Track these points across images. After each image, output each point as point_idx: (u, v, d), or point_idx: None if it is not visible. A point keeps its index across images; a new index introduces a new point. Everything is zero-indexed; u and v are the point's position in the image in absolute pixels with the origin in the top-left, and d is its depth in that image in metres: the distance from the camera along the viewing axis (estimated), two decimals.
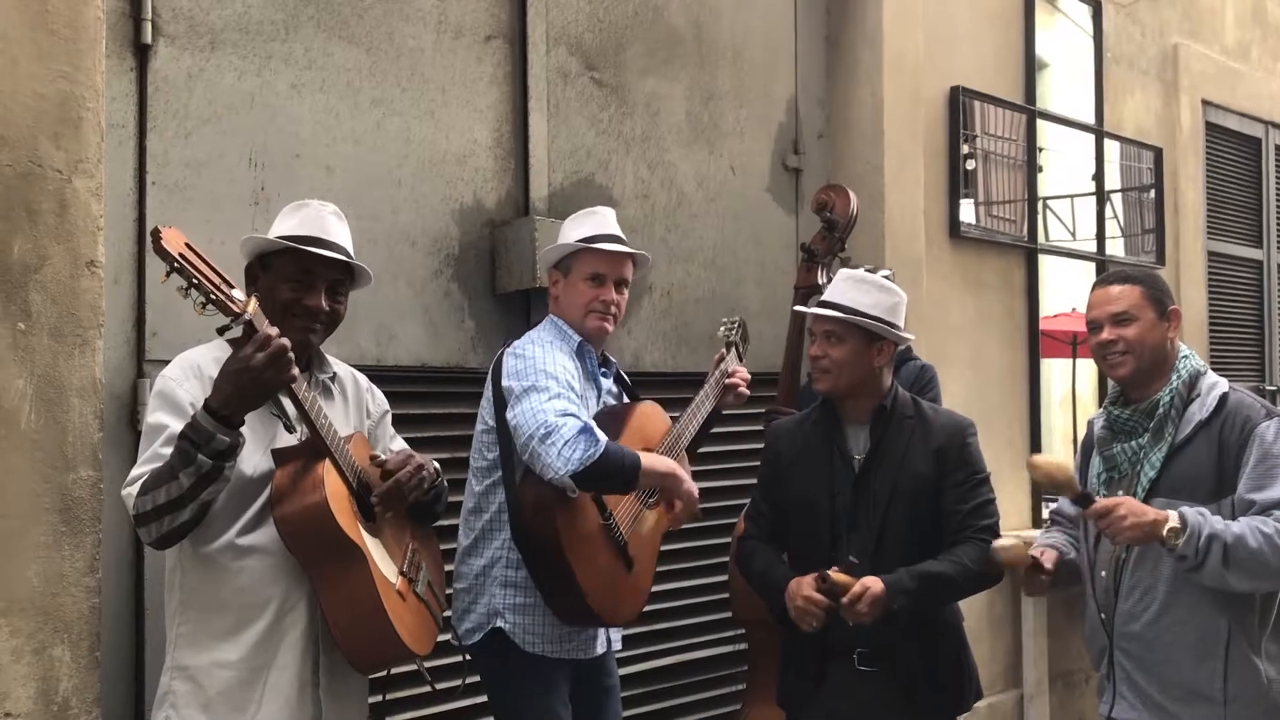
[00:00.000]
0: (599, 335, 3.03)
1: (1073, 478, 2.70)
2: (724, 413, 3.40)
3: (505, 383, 2.84)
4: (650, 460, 2.82)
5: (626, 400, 3.18)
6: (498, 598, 2.88)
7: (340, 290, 2.48)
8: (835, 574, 2.69)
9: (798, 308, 3.44)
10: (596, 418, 2.93)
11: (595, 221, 3.04)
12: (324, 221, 2.46)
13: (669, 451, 3.03)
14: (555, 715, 2.90)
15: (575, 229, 3.04)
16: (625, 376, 3.26)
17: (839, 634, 2.81)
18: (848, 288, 2.93)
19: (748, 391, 3.34)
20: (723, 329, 3.49)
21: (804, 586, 2.76)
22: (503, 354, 2.94)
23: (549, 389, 2.76)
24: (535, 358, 2.85)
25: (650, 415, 3.10)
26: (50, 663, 2.48)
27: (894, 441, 2.89)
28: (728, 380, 3.30)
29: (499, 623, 2.87)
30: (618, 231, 3.06)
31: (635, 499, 2.96)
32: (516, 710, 2.93)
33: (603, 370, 3.10)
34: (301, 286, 2.40)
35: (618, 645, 3.16)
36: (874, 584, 2.69)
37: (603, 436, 2.71)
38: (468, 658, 2.86)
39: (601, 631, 3.01)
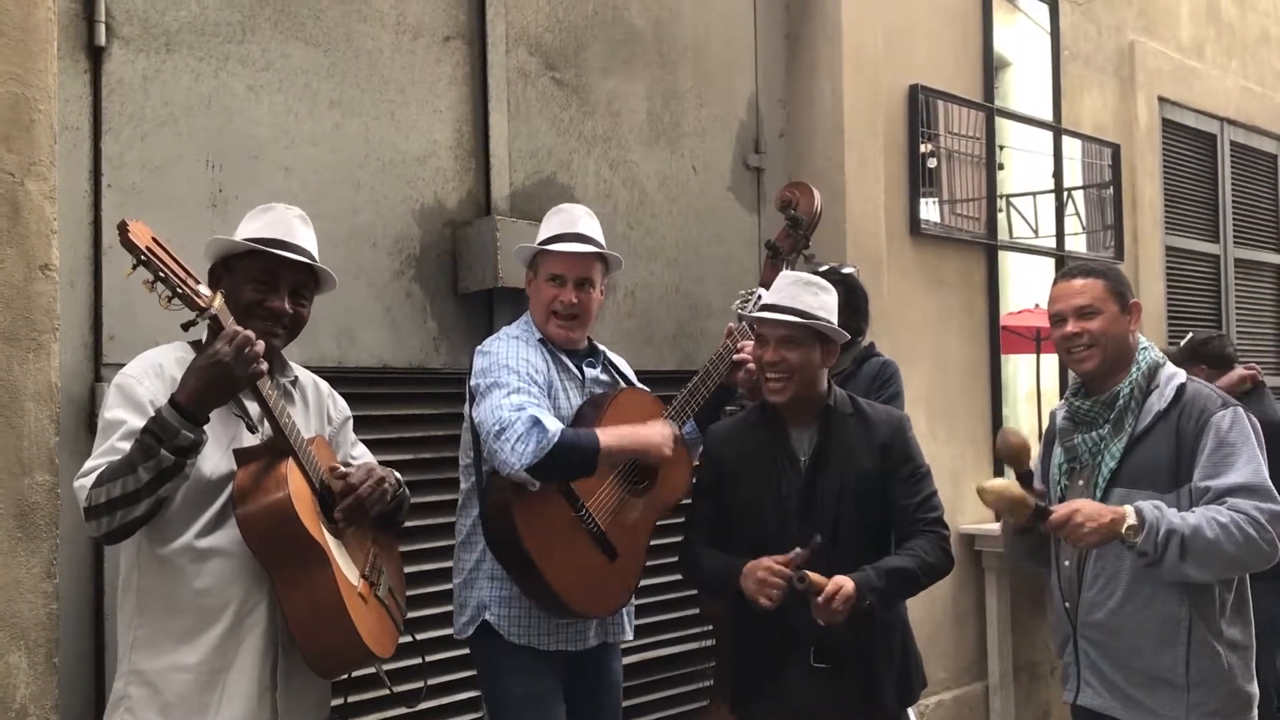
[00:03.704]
0: (562, 340, 2.99)
1: (1024, 496, 2.72)
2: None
3: (472, 382, 2.87)
4: (612, 437, 2.79)
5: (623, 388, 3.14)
6: (485, 590, 2.90)
7: (304, 293, 2.47)
8: (812, 576, 2.69)
9: (747, 314, 3.30)
10: (580, 410, 2.92)
11: (559, 220, 3.02)
12: (289, 224, 2.45)
13: None
14: (543, 710, 2.88)
15: (544, 228, 3.03)
16: (618, 363, 3.21)
17: (792, 632, 2.82)
18: (798, 291, 2.91)
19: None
20: (737, 302, 3.37)
21: (763, 561, 2.74)
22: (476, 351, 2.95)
23: (509, 384, 2.77)
24: (498, 353, 2.86)
25: (633, 401, 3.03)
26: (7, 670, 2.46)
27: (838, 440, 2.90)
28: (736, 356, 3.16)
29: (486, 615, 2.88)
30: (585, 230, 3.01)
31: (616, 488, 2.93)
32: (504, 702, 2.92)
33: (588, 360, 3.07)
34: (265, 288, 2.39)
35: (627, 636, 3.10)
36: (846, 583, 2.68)
37: (556, 425, 2.70)
38: (425, 659, 2.85)
39: (595, 623, 2.97)
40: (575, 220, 3.02)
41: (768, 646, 2.88)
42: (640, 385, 3.21)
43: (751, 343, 3.21)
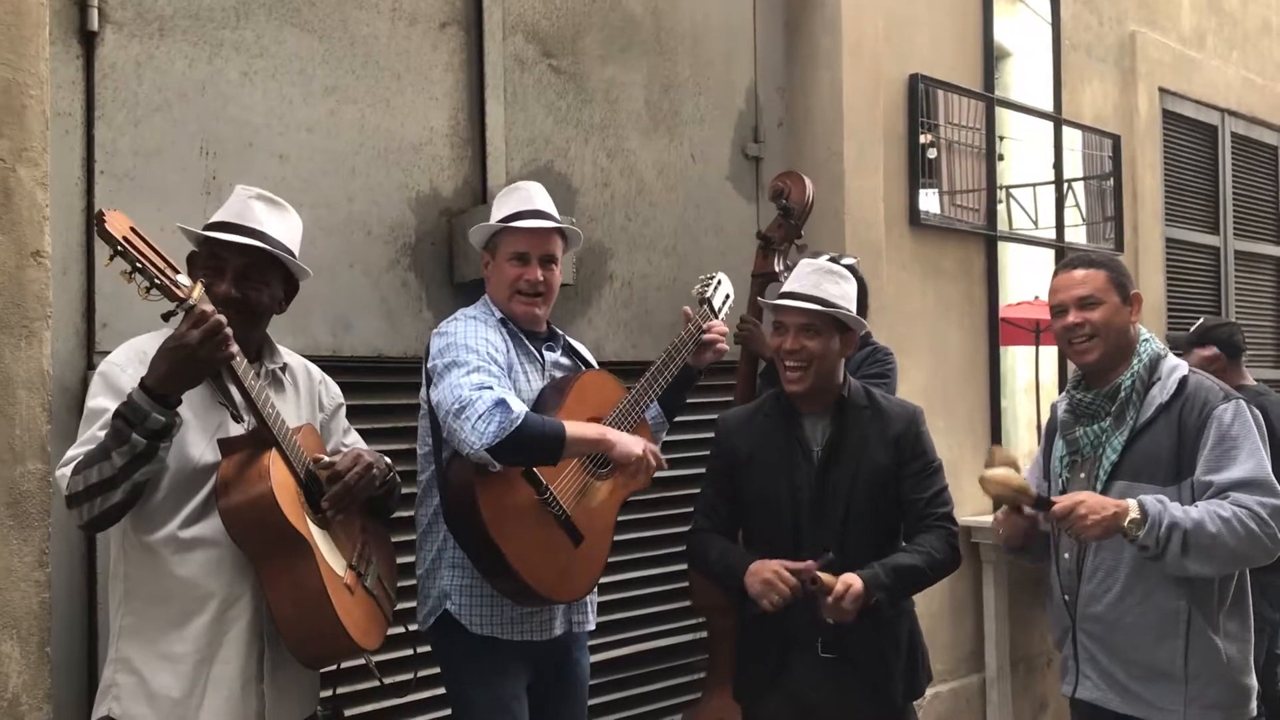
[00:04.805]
0: (527, 319, 2.94)
1: (1026, 485, 2.71)
2: (699, 381, 3.28)
3: (429, 363, 2.81)
4: (578, 429, 2.73)
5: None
6: (445, 579, 2.84)
7: (254, 278, 2.39)
8: (824, 576, 2.67)
9: (766, 299, 3.22)
10: (541, 393, 2.88)
11: (518, 198, 2.96)
12: (244, 207, 2.42)
13: (620, 419, 2.92)
14: (503, 702, 2.83)
15: (499, 207, 2.98)
16: (578, 347, 3.17)
17: (800, 622, 2.81)
18: (820, 279, 2.89)
19: (726, 347, 3.21)
20: (699, 286, 3.35)
21: (771, 564, 2.74)
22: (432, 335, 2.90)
23: (468, 363, 2.71)
24: (456, 333, 2.80)
25: (596, 384, 2.99)
26: None
27: (852, 432, 2.89)
28: (704, 336, 3.14)
29: (447, 604, 2.83)
30: (542, 206, 2.96)
31: (580, 471, 2.88)
32: (464, 694, 2.88)
33: (548, 344, 3.02)
34: (212, 274, 2.35)
35: (590, 626, 3.04)
36: (855, 581, 2.68)
37: (520, 407, 2.64)
38: (417, 650, 2.82)
39: (561, 611, 2.92)
40: (532, 197, 2.96)
41: (775, 636, 2.86)
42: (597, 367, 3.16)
43: (719, 323, 3.21)
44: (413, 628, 2.87)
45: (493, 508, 2.69)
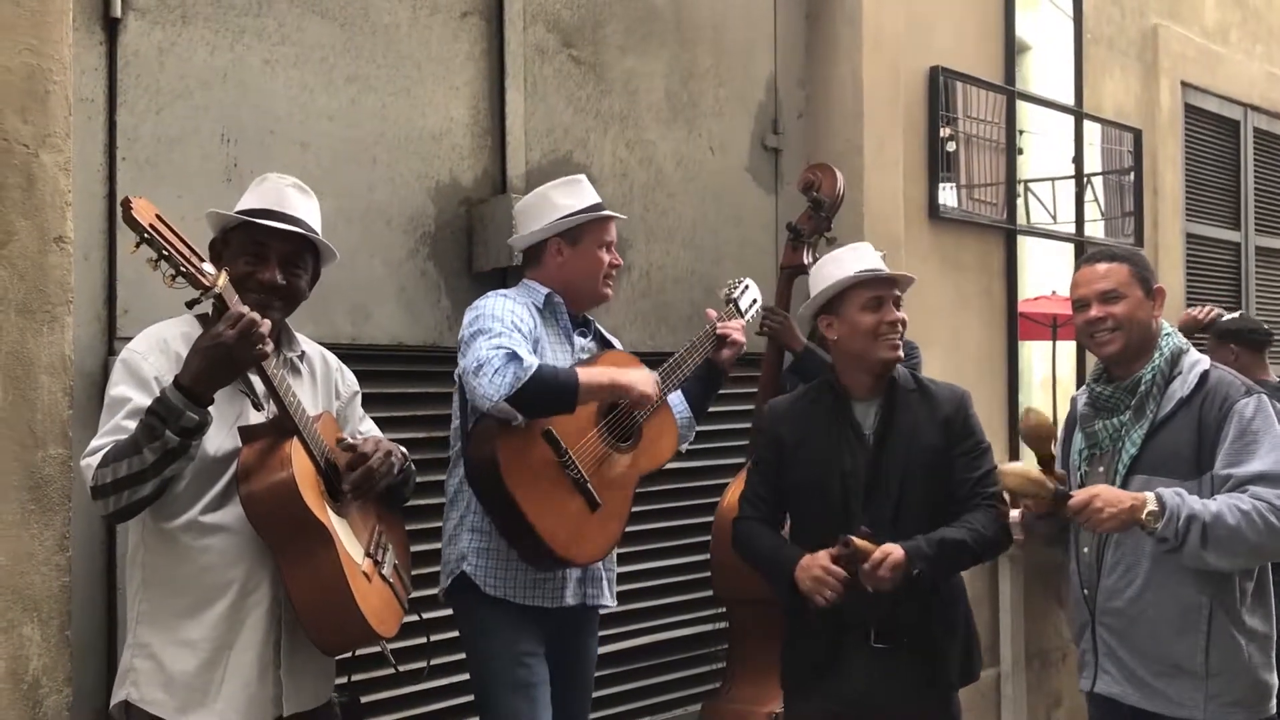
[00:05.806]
0: (603, 297, 3.10)
1: (1044, 480, 2.71)
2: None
3: (460, 334, 2.91)
4: (591, 375, 2.83)
5: None
6: (465, 542, 2.92)
7: (297, 264, 2.44)
8: (858, 540, 2.68)
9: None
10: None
11: (586, 190, 3.10)
12: (281, 194, 2.44)
13: None
14: (518, 659, 2.88)
15: (572, 198, 3.06)
16: (608, 336, 3.24)
17: (853, 610, 2.79)
18: (880, 262, 2.99)
19: (743, 339, 3.27)
20: (725, 289, 3.44)
21: (820, 558, 2.75)
22: None
23: (492, 329, 2.81)
24: (486, 306, 2.91)
25: (620, 361, 3.06)
26: (19, 642, 2.46)
27: (903, 415, 2.90)
28: (719, 330, 3.22)
29: (464, 566, 2.90)
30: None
31: (601, 441, 2.94)
32: (481, 655, 2.94)
33: (580, 330, 3.11)
34: (255, 260, 2.37)
35: (604, 600, 3.07)
36: (895, 550, 2.69)
37: (532, 359, 2.75)
38: (430, 638, 2.85)
39: (574, 582, 2.97)
40: (592, 188, 3.11)
41: (825, 627, 2.85)
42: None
43: (738, 321, 3.29)
44: (428, 615, 2.88)
45: (512, 463, 2.77)
